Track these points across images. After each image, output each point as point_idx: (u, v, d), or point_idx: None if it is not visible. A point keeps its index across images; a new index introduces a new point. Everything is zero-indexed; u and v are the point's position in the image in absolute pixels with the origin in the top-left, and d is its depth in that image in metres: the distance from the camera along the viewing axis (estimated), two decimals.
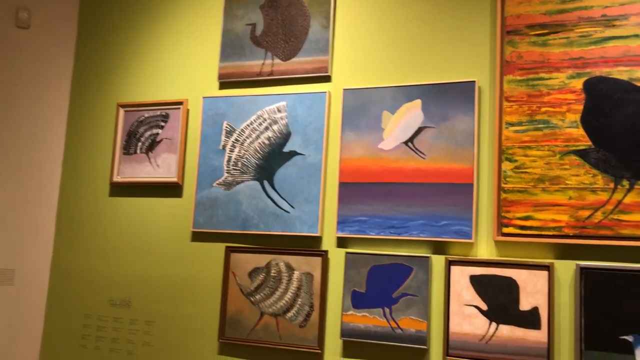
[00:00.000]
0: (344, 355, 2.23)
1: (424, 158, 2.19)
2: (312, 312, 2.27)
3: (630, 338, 1.87)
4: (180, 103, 2.61)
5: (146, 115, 2.67)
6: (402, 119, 2.24)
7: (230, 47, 2.56)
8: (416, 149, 2.21)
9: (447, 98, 2.18)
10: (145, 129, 2.66)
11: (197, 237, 2.52)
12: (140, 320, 2.57)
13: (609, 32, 2.01)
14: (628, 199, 1.92)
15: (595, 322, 1.90)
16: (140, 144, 2.66)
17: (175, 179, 2.56)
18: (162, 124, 2.63)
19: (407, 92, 2.24)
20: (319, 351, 2.24)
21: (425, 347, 2.09)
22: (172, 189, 2.60)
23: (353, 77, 2.37)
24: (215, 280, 2.46)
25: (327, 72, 2.39)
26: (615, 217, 1.93)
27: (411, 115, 2.23)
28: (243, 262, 2.40)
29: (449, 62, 2.23)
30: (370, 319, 2.17)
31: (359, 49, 2.38)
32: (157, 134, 2.63)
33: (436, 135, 2.18)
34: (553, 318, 1.96)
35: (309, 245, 2.33)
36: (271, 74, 2.47)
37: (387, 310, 2.16)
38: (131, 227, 2.65)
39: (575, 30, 2.05)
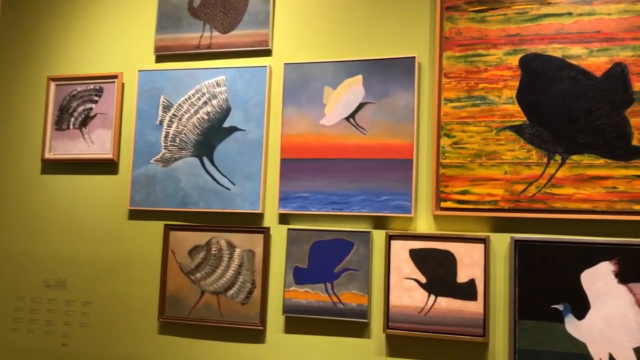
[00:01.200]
0: (286, 331, 2.23)
1: (365, 134, 2.19)
2: (254, 290, 2.25)
3: (560, 307, 1.94)
4: (115, 77, 2.50)
5: (79, 89, 2.55)
6: (343, 94, 2.22)
7: (166, 19, 2.47)
8: (357, 124, 2.20)
9: (387, 74, 2.18)
10: (78, 104, 2.55)
11: (135, 215, 2.45)
12: (77, 301, 2.49)
13: (544, 10, 2.04)
14: (560, 174, 1.98)
15: (528, 293, 1.97)
16: (73, 119, 2.55)
17: (110, 156, 2.47)
18: (96, 98, 2.52)
19: (348, 68, 2.23)
20: (261, 328, 2.23)
21: (366, 320, 2.12)
22: (107, 166, 2.51)
23: (294, 51, 2.33)
24: (154, 259, 2.40)
25: (267, 46, 2.34)
26: (548, 190, 1.99)
27: (352, 90, 2.22)
28: (183, 240, 2.35)
29: (389, 38, 2.23)
30: (312, 295, 2.18)
31: (300, 23, 2.34)
32: (91, 108, 2.52)
33: (377, 111, 2.18)
34: (489, 289, 2.01)
35: (251, 222, 2.31)
36: (210, 47, 2.40)
37: (329, 285, 2.17)
38: (65, 206, 2.54)
39: (512, 7, 2.08)
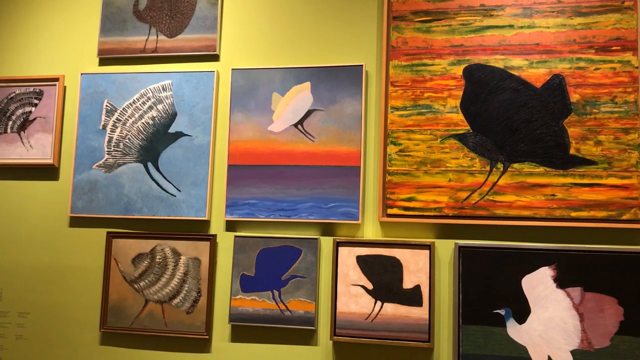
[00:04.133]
0: (233, 340, 2.20)
1: (313, 141, 2.19)
2: (199, 298, 2.21)
3: (502, 311, 1.99)
4: (56, 79, 2.42)
5: (17, 91, 2.45)
6: (291, 101, 2.22)
7: (111, 21, 2.41)
8: (306, 131, 2.20)
9: (335, 81, 2.19)
10: (16, 107, 2.45)
11: (76, 222, 2.37)
12: (13, 312, 2.38)
13: (487, 22, 2.10)
14: (502, 181, 2.03)
15: (471, 298, 2.01)
16: (11, 122, 2.45)
17: (50, 161, 2.38)
18: (36, 101, 2.43)
19: (297, 74, 2.22)
20: (207, 337, 2.19)
21: (313, 328, 2.11)
22: (47, 172, 2.42)
23: (242, 57, 2.31)
24: (95, 268, 2.33)
25: (215, 51, 2.31)
26: (491, 198, 2.03)
27: (301, 97, 2.21)
28: (126, 248, 2.28)
29: (337, 46, 2.24)
30: (259, 303, 2.16)
31: (248, 29, 2.32)
32: (30, 112, 2.43)
33: (325, 118, 2.19)
34: (434, 295, 2.04)
35: (197, 230, 2.27)
36: (155, 50, 2.36)
37: (276, 293, 2.15)
38: (1, 213, 2.44)
39: (456, 18, 2.12)
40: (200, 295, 2.21)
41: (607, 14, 2.01)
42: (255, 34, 2.32)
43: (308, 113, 2.21)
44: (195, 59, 2.34)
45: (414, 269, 2.06)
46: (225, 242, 2.24)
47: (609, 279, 1.92)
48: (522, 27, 2.07)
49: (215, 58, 2.33)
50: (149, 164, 2.29)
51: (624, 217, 1.94)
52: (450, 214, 2.06)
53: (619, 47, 1.99)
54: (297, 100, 2.21)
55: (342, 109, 2.18)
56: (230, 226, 2.24)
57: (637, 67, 1.98)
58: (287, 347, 2.16)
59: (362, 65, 2.17)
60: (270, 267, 2.16)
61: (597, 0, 2.02)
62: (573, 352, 1.93)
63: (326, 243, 2.16)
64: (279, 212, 2.18)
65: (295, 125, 2.21)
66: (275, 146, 2.21)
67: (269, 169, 2.21)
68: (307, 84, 2.21)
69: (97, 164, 2.34)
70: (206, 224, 2.26)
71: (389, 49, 2.16)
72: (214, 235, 2.23)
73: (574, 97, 2.01)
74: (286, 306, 2.14)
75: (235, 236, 2.20)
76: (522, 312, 1.98)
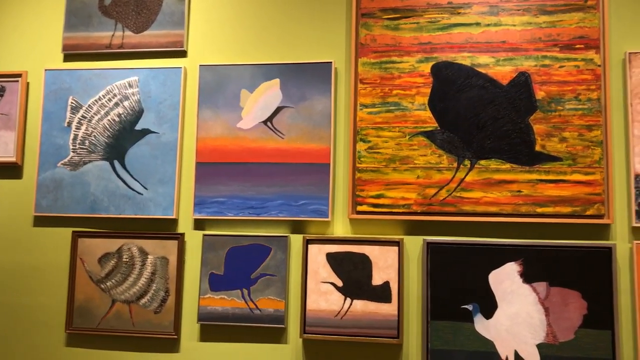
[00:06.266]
0: (202, 339, 2.17)
1: (282, 138, 2.18)
2: (167, 297, 2.18)
3: (470, 307, 2.01)
4: (19, 75, 2.36)
5: None
6: (260, 98, 2.20)
7: (76, 16, 2.36)
8: (275, 128, 2.19)
9: (305, 78, 2.18)
10: None
11: (40, 221, 2.32)
12: None
13: (454, 19, 2.11)
14: (469, 178, 2.05)
15: (440, 294, 2.02)
16: None
17: (13, 159, 2.33)
18: None
19: (266, 71, 2.21)
20: (175, 337, 2.16)
21: (283, 326, 2.10)
22: (10, 170, 2.36)
23: (210, 53, 2.29)
24: (61, 268, 2.28)
25: (182, 47, 2.28)
26: (458, 194, 2.05)
27: (270, 94, 2.20)
28: (92, 248, 2.24)
29: (306, 42, 2.23)
30: (228, 301, 2.14)
31: (215, 25, 2.30)
32: None
33: (294, 115, 2.18)
34: (403, 291, 2.05)
35: (164, 229, 2.24)
36: (122, 46, 2.32)
37: (245, 291, 2.14)
38: None
39: (424, 15, 2.13)
40: (168, 295, 2.18)
41: (571, 13, 2.04)
42: (224, 30, 2.29)
43: (277, 110, 2.19)
44: (162, 55, 2.31)
45: (383, 265, 2.07)
46: (194, 240, 2.21)
47: (574, 273, 1.95)
48: (488, 25, 2.09)
49: (182, 54, 2.30)
50: (116, 162, 2.26)
51: (588, 213, 1.97)
52: (419, 211, 2.07)
53: (582, 46, 2.03)
54: (266, 97, 2.20)
55: (311, 106, 2.17)
56: (199, 225, 2.22)
57: (600, 65, 2.01)
58: (256, 346, 2.14)
59: (331, 63, 2.17)
60: (240, 265, 2.15)
61: None
62: (539, 346, 1.95)
63: (296, 241, 2.15)
64: (248, 210, 2.17)
65: (265, 122, 2.19)
66: (244, 143, 2.20)
67: (237, 166, 2.19)
68: (277, 81, 2.20)
69: (62, 162, 2.29)
70: (174, 222, 2.24)
71: (358, 46, 2.16)
72: (182, 234, 2.20)
73: (540, 94, 2.03)
74: (256, 304, 2.13)
75: (204, 235, 2.18)
76: (489, 307, 2.00)
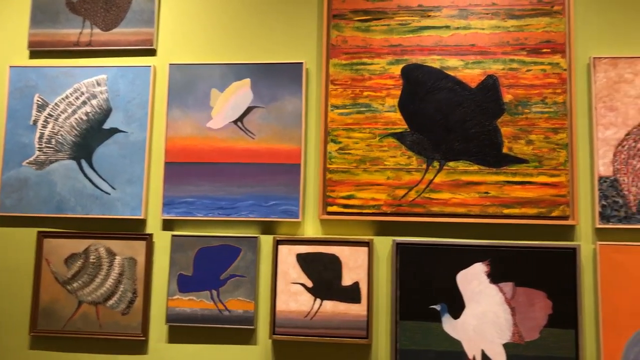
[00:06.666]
0: (170, 341, 2.15)
1: (253, 138, 2.17)
2: (135, 299, 2.15)
3: (438, 307, 2.03)
4: None
5: None
6: (231, 97, 2.19)
7: (42, 12, 2.31)
8: (245, 128, 2.18)
9: (276, 78, 2.18)
10: None
11: (4, 221, 2.26)
12: None
13: (425, 22, 2.13)
14: (438, 179, 2.07)
15: (409, 294, 2.04)
16: None
17: None
18: None
19: (236, 71, 2.20)
20: (143, 338, 2.14)
21: (252, 327, 2.09)
22: None
23: (180, 52, 2.27)
24: (25, 269, 2.23)
25: (152, 45, 2.26)
26: (427, 195, 2.07)
27: (240, 94, 2.19)
28: (58, 248, 2.20)
29: (278, 43, 2.23)
30: (197, 303, 2.12)
31: (186, 23, 2.28)
32: None
33: (265, 116, 2.17)
34: (372, 292, 2.06)
35: (132, 229, 2.21)
36: (90, 44, 2.28)
37: (214, 292, 2.12)
38: None
39: (394, 18, 2.15)
40: (136, 296, 2.16)
41: (538, 18, 2.08)
42: (194, 28, 2.27)
43: (248, 110, 2.18)
44: (131, 54, 2.28)
45: (353, 266, 2.07)
46: (162, 241, 2.19)
47: (539, 273, 1.99)
48: (458, 28, 2.11)
49: (152, 53, 2.28)
50: (83, 161, 2.22)
51: (553, 214, 2.00)
52: (389, 211, 2.08)
53: (549, 50, 2.06)
54: (236, 96, 2.19)
55: (282, 107, 2.17)
56: (167, 225, 2.20)
57: (565, 70, 2.05)
58: (225, 347, 2.13)
59: (302, 63, 2.17)
60: (209, 266, 2.13)
61: (529, 3, 2.09)
62: (505, 346, 1.98)
63: (266, 241, 2.15)
64: (217, 210, 2.15)
65: (235, 122, 2.18)
66: (214, 143, 2.18)
67: (207, 166, 2.17)
68: (247, 81, 2.19)
69: (27, 160, 2.24)
70: (142, 222, 2.21)
71: (329, 47, 2.16)
72: (150, 235, 2.18)
73: (507, 97, 2.06)
74: (225, 306, 2.11)
75: (173, 235, 2.16)
76: (457, 307, 2.02)
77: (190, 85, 2.21)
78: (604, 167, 2.00)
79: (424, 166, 2.08)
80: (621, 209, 1.98)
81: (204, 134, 2.19)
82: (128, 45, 2.26)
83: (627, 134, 2.01)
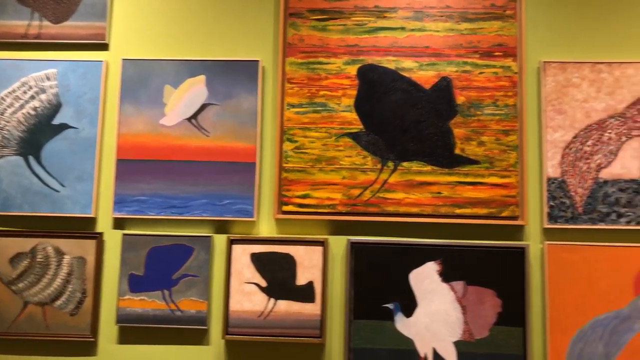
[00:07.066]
0: (120, 342, 2.11)
1: (207, 136, 2.14)
2: (84, 299, 2.10)
3: (391, 306, 2.04)
4: None
5: None
6: (185, 94, 2.16)
7: None
8: (200, 126, 2.15)
9: (231, 76, 2.15)
10: None
11: None
12: None
13: (380, 23, 2.14)
14: (392, 179, 2.09)
15: (363, 293, 2.05)
16: None
17: None
18: None
19: (191, 67, 2.17)
20: (92, 339, 2.09)
21: (205, 327, 2.07)
22: None
23: (133, 47, 2.22)
24: None
25: (104, 40, 2.20)
26: (382, 195, 2.08)
27: (195, 91, 2.16)
28: (3, 248, 2.13)
29: (234, 40, 2.21)
30: (148, 303, 2.08)
31: (139, 18, 2.23)
32: None
33: (220, 113, 2.15)
34: (326, 291, 2.06)
35: (82, 227, 2.15)
36: (38, 37, 2.21)
37: (166, 292, 2.09)
38: None
39: (351, 18, 2.15)
40: (85, 296, 2.10)
41: (490, 21, 2.12)
42: (148, 23, 2.23)
43: (202, 107, 2.16)
44: (82, 48, 2.22)
45: (308, 265, 2.07)
46: (113, 240, 2.14)
47: (489, 272, 2.03)
48: (413, 30, 2.13)
49: (104, 47, 2.22)
50: (30, 158, 2.15)
51: (503, 214, 2.05)
52: (344, 211, 2.09)
53: (501, 53, 2.10)
54: (191, 93, 2.16)
55: (238, 104, 2.15)
56: (119, 224, 2.15)
57: (516, 73, 2.09)
58: (177, 348, 2.10)
59: (258, 61, 2.16)
60: (161, 266, 2.10)
61: (482, 7, 2.12)
62: (456, 343, 2.01)
63: (220, 241, 2.12)
64: (170, 209, 2.12)
65: (189, 119, 2.15)
66: (167, 140, 2.15)
67: (160, 164, 2.14)
68: (202, 77, 2.17)
69: None
70: (92, 221, 2.16)
71: (286, 46, 2.16)
72: (101, 233, 2.13)
73: (460, 99, 2.10)
74: (177, 306, 2.08)
75: (124, 234, 2.11)
76: (410, 305, 2.04)
77: (144, 81, 2.17)
78: (552, 169, 2.05)
79: (379, 166, 2.10)
80: (568, 209, 2.04)
81: (157, 131, 2.15)
82: (79, 39, 2.21)
83: (575, 137, 2.07)
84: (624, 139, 2.05)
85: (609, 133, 2.06)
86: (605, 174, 2.04)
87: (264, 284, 2.08)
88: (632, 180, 2.03)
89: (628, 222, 2.02)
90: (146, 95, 2.16)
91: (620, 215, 2.02)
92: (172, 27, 2.23)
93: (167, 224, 2.14)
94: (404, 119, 2.10)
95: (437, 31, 2.13)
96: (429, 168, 2.08)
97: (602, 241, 2.03)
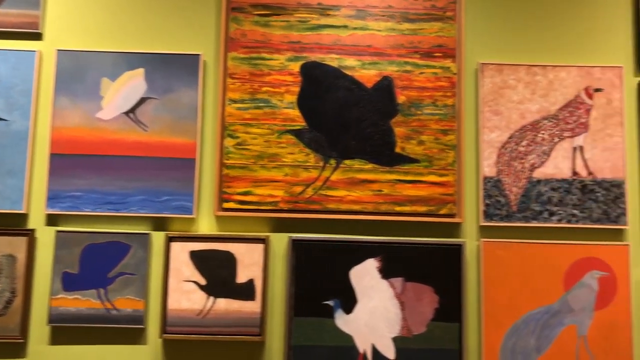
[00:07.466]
0: (53, 342, 2.04)
1: (146, 130, 2.10)
2: (14, 299, 2.02)
3: (331, 303, 2.05)
4: None
5: None
6: (123, 87, 2.10)
7: None
8: (138, 120, 2.10)
9: (171, 69, 2.11)
10: None
11: None
12: None
13: (324, 21, 2.15)
14: (334, 177, 2.09)
15: (304, 290, 2.05)
16: None
17: None
18: None
19: (130, 60, 2.11)
20: (22, 340, 2.01)
21: (142, 326, 2.02)
22: None
23: (69, 37, 2.15)
24: None
25: (37, 29, 2.12)
26: (324, 192, 2.09)
27: (133, 84, 2.11)
28: None
29: (174, 33, 2.16)
30: (82, 302, 2.02)
31: (76, 7, 2.16)
32: None
33: (159, 108, 2.10)
34: (267, 289, 2.05)
35: (12, 224, 2.07)
36: None
37: (102, 291, 2.03)
38: None
39: (294, 14, 2.14)
40: (15, 296, 2.02)
41: (431, 22, 2.15)
42: (85, 13, 2.16)
43: (141, 101, 2.11)
44: (14, 36, 2.13)
45: (249, 263, 2.06)
46: (46, 237, 2.06)
47: (427, 269, 2.06)
48: (355, 29, 2.14)
49: (37, 37, 2.14)
50: None
51: (442, 212, 2.09)
52: (286, 208, 2.08)
53: (440, 54, 2.14)
54: (129, 87, 2.11)
55: (177, 99, 2.11)
56: (52, 220, 2.07)
57: (455, 74, 2.14)
58: (113, 348, 2.05)
59: (199, 55, 2.12)
60: (96, 264, 2.04)
61: (423, 8, 2.15)
62: (394, 339, 2.04)
63: (158, 238, 2.08)
64: (106, 205, 2.06)
65: (127, 113, 2.10)
66: (104, 135, 2.09)
67: (96, 158, 2.07)
68: (141, 71, 2.11)
69: None
70: (23, 217, 2.07)
71: (228, 40, 2.13)
72: (32, 230, 2.05)
73: (401, 98, 2.12)
74: (113, 305, 2.03)
75: (57, 231, 2.04)
76: (350, 302, 2.05)
77: (80, 73, 2.10)
78: (489, 168, 2.11)
79: (321, 164, 2.10)
80: (503, 207, 2.09)
81: (93, 125, 2.09)
82: (11, 27, 2.12)
83: (510, 137, 2.13)
84: (556, 139, 2.13)
85: (543, 134, 2.13)
86: (538, 174, 2.11)
87: (203, 282, 2.05)
88: (564, 180, 2.11)
89: (559, 220, 2.09)
90: (82, 87, 2.09)
91: (552, 214, 2.09)
92: (110, 17, 2.16)
93: (103, 220, 2.08)
94: (347, 117, 2.11)
95: (380, 30, 2.14)
96: (370, 166, 2.09)
97: (534, 239, 2.10)
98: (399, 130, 2.11)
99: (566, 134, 2.13)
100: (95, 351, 2.04)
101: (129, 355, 2.04)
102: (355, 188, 2.09)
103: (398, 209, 2.08)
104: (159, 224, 2.09)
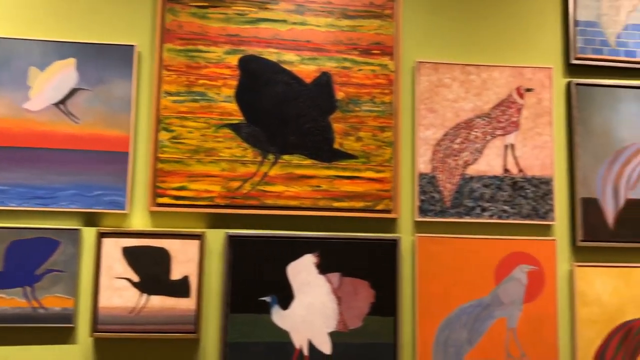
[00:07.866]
0: None
1: (77, 123, 2.02)
2: None
3: (268, 299, 2.04)
4: None
5: None
6: (52, 77, 2.02)
7: None
8: (69, 112, 2.02)
9: (104, 60, 2.05)
10: None
11: None
12: None
13: (262, 14, 2.13)
14: (273, 172, 2.08)
15: (240, 287, 2.03)
16: None
17: None
18: None
19: (60, 49, 2.03)
20: None
21: (71, 325, 1.96)
22: None
23: None
24: None
25: None
26: (262, 188, 2.07)
27: (63, 74, 2.03)
28: None
29: (108, 22, 2.10)
30: (7, 301, 1.94)
31: None
32: None
33: (91, 99, 2.04)
34: (202, 285, 2.02)
35: None
36: None
37: (28, 289, 1.95)
38: None
39: (232, 7, 2.12)
40: None
41: (370, 19, 2.17)
42: None
43: (72, 92, 2.03)
44: None
45: (183, 259, 2.02)
46: None
47: (364, 264, 2.08)
48: (295, 23, 2.14)
49: None
50: None
51: (378, 208, 2.11)
52: (222, 204, 2.06)
53: (379, 51, 2.16)
54: (59, 77, 2.03)
55: (110, 90, 2.04)
56: None
57: (393, 71, 2.16)
58: (41, 348, 1.97)
59: (134, 46, 2.06)
60: (22, 260, 1.96)
61: (362, 5, 2.17)
62: (330, 334, 2.05)
63: (89, 234, 2.01)
64: (34, 200, 1.98)
65: (57, 104, 2.02)
66: (31, 126, 2.00)
67: (23, 151, 1.99)
68: (72, 61, 2.04)
69: None
70: None
71: (163, 32, 2.08)
72: None
73: (340, 94, 2.13)
74: (40, 303, 1.95)
75: None
76: (287, 298, 2.05)
77: (5, 61, 2.01)
78: (424, 165, 2.15)
79: (259, 159, 2.08)
80: (437, 203, 2.14)
81: (20, 116, 2.00)
82: None
83: (445, 135, 2.17)
84: (489, 137, 2.19)
85: (476, 132, 2.18)
86: (471, 171, 2.16)
87: (136, 279, 2.00)
88: (495, 177, 2.17)
89: (491, 216, 2.15)
90: (8, 76, 2.00)
91: (484, 210, 2.15)
92: (40, 4, 2.07)
93: (30, 215, 1.99)
94: (285, 112, 2.11)
95: (319, 26, 2.14)
96: (309, 162, 2.09)
97: (467, 234, 2.15)
98: (337, 127, 2.12)
99: (498, 132, 2.19)
100: (22, 352, 1.96)
101: (58, 356, 1.97)
102: (294, 183, 2.08)
103: (336, 204, 2.09)
104: (90, 220, 2.02)
